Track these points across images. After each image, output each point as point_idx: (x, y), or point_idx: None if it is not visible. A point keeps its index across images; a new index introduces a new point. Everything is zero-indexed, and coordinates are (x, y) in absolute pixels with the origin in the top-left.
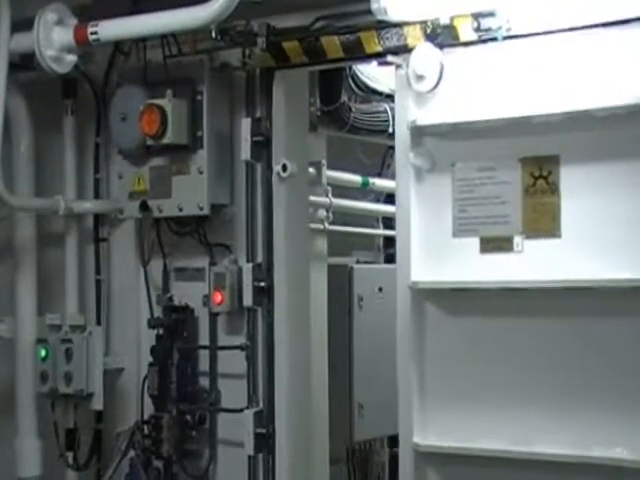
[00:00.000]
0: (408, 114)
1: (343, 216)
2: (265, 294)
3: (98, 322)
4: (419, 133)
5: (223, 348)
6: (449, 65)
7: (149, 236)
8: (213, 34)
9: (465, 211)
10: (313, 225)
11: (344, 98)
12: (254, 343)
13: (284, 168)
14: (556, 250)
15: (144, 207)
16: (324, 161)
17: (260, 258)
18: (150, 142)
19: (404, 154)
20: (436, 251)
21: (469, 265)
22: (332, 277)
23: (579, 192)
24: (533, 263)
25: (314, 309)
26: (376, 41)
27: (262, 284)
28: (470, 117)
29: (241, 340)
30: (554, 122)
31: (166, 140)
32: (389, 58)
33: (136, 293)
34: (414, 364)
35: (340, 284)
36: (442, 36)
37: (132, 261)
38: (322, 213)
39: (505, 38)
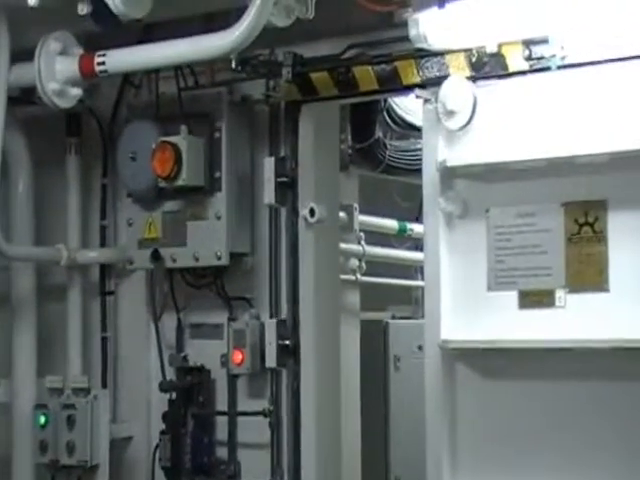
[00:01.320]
0: (437, 154)
1: (377, 266)
2: (290, 354)
3: (104, 385)
4: (449, 175)
5: (243, 414)
6: (483, 99)
7: (161, 289)
8: (233, 64)
9: (502, 262)
10: (344, 276)
11: (378, 134)
12: (278, 409)
13: (312, 213)
14: (603, 306)
15: (156, 256)
16: (356, 204)
17: (285, 313)
18: (163, 184)
19: (433, 198)
20: (469, 306)
21: (506, 322)
22: (365, 334)
23: (629, 241)
24: (578, 320)
25: (345, 370)
26: (415, 71)
27: (287, 342)
28: (507, 157)
29: (263, 405)
30: (602, 163)
31: (180, 182)
32: (416, 92)
33: (146, 352)
34: (445, 433)
35: (374, 342)
36: (489, 66)
37: (142, 317)
38: (354, 263)
39: (559, 67)
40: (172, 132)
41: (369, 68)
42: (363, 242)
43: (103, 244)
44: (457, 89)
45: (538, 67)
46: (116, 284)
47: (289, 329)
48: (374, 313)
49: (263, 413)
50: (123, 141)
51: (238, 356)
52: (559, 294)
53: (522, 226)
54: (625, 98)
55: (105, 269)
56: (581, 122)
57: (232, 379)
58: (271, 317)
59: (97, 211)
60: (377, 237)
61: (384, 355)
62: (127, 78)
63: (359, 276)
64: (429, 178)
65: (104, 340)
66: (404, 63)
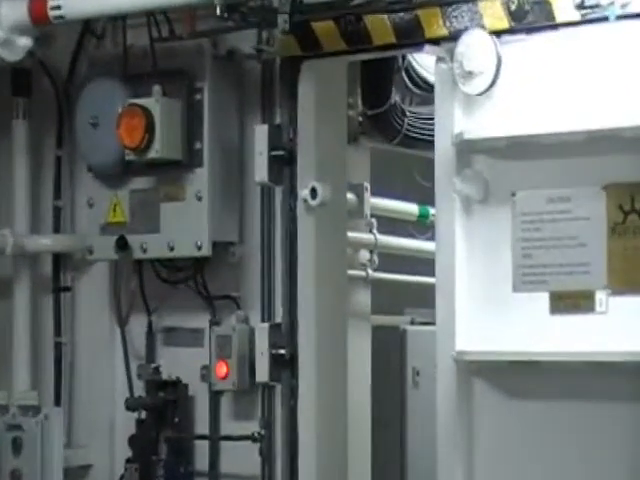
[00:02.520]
0: (453, 124)
1: (393, 260)
2: (286, 366)
3: (57, 402)
4: (467, 150)
5: (228, 439)
6: (510, 58)
7: (128, 285)
8: (218, 11)
9: (530, 256)
10: (352, 272)
11: (395, 98)
12: (270, 432)
13: (313, 194)
14: None
15: (122, 245)
16: (367, 184)
17: (280, 316)
18: (131, 157)
19: (447, 179)
20: (490, 310)
21: (535, 330)
22: (378, 343)
23: None
24: (622, 328)
25: (353, 386)
26: (440, 22)
27: (282, 352)
28: (537, 129)
29: (253, 428)
30: None
31: (153, 154)
32: (427, 48)
33: (110, 363)
34: (460, 463)
35: (389, 353)
36: (532, 15)
37: (105, 319)
38: (365, 255)
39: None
40: (143, 93)
41: (384, 17)
42: (375, 230)
43: (57, 229)
44: (477, 45)
45: (592, 17)
46: (73, 278)
47: (285, 335)
48: (389, 317)
49: (252, 438)
50: (82, 103)
51: (222, 368)
52: (600, 296)
53: (555, 213)
54: None
55: (60, 260)
56: (623, 87)
57: (215, 396)
58: (263, 321)
59: (50, 189)
60: (393, 224)
61: (401, 368)
62: (88, 26)
63: (370, 272)
64: (443, 154)
65: (58, 347)
66: (427, 11)
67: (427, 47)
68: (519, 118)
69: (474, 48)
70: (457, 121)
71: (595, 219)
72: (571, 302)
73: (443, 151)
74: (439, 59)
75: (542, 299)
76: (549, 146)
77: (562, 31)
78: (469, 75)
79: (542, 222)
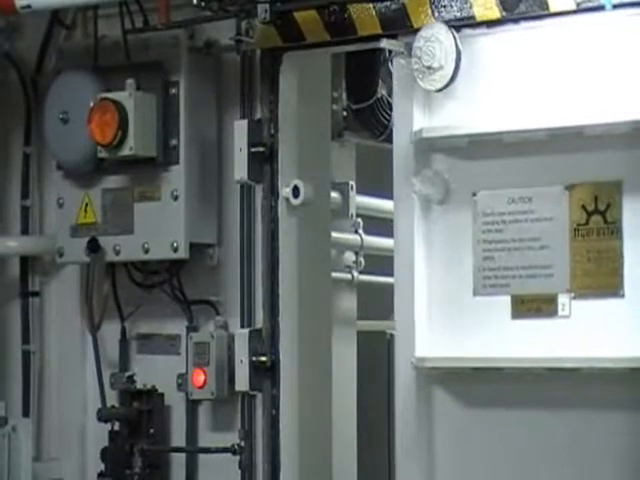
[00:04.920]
0: (412, 122)
1: (379, 261)
2: (268, 374)
3: (25, 413)
4: (427, 149)
5: (206, 451)
6: (470, 52)
7: (101, 289)
8: (195, 0)
9: (491, 259)
10: (337, 274)
11: (381, 92)
12: (251, 444)
13: (296, 192)
14: (617, 315)
15: (93, 247)
16: (353, 182)
17: (260, 322)
18: (103, 154)
19: (405, 178)
20: (450, 315)
21: (496, 335)
22: (365, 349)
23: None
24: (585, 332)
25: (338, 395)
26: (428, 11)
27: (263, 359)
28: (498, 127)
29: (232, 440)
30: (616, 135)
31: (126, 151)
32: (383, 43)
33: (81, 371)
34: (419, 474)
35: (375, 359)
36: (525, 4)
37: (76, 325)
38: (350, 257)
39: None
40: (115, 87)
41: (370, 7)
42: (361, 230)
43: (25, 231)
44: (436, 40)
45: (589, 6)
46: (42, 283)
47: (266, 342)
48: (375, 322)
49: (232, 450)
50: (52, 97)
51: (200, 376)
52: (562, 300)
53: (517, 214)
54: None
55: (28, 263)
56: (590, 83)
57: (192, 406)
58: (243, 327)
59: (17, 188)
60: (379, 224)
61: (388, 376)
62: (57, 16)
63: (356, 274)
64: (401, 153)
65: (26, 355)
66: (415, 1)
67: (384, 41)
68: (480, 115)
69: (433, 42)
70: (416, 119)
71: (558, 220)
72: (533, 306)
73: (402, 150)
74: (397, 54)
75: (504, 303)
76: (511, 145)
77: (524, 24)
78: (428, 70)
79: (504, 223)
